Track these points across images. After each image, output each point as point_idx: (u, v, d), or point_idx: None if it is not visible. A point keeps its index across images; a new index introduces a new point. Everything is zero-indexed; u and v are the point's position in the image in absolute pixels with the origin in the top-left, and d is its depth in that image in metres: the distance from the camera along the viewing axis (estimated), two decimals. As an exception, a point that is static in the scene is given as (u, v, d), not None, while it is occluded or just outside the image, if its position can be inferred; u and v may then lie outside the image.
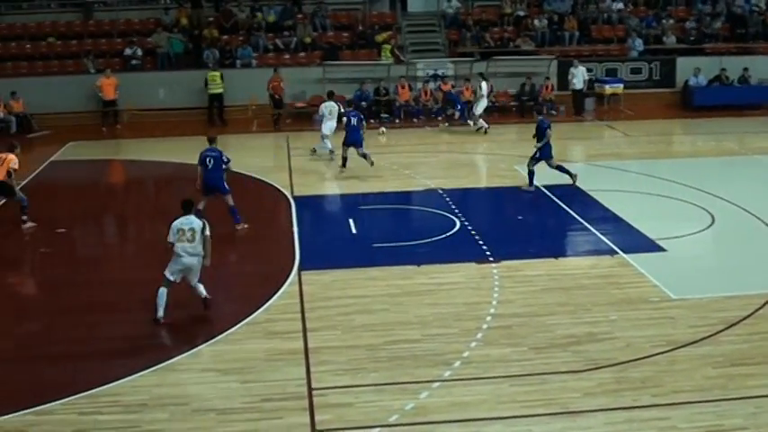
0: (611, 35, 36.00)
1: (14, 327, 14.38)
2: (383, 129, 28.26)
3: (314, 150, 25.39)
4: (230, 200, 18.22)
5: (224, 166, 18.12)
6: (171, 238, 13.75)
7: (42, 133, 30.27)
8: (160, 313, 13.68)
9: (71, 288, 15.76)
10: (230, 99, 31.78)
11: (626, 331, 13.09)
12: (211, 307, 14.06)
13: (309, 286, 15.13)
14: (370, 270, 15.81)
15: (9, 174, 18.50)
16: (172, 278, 13.78)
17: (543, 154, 21.13)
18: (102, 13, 36.06)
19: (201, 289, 14.06)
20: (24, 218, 18.68)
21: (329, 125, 24.87)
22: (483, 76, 30.43)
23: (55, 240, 18.29)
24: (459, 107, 29.94)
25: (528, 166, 21.09)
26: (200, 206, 17.75)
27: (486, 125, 28.98)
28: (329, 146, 24.59)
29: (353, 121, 22.88)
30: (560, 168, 21.32)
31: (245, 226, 18.32)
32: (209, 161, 18.02)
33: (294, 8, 35.56)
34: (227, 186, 18.15)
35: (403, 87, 31.99)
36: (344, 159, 23.02)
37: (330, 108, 24.95)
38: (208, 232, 13.92)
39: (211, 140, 18.53)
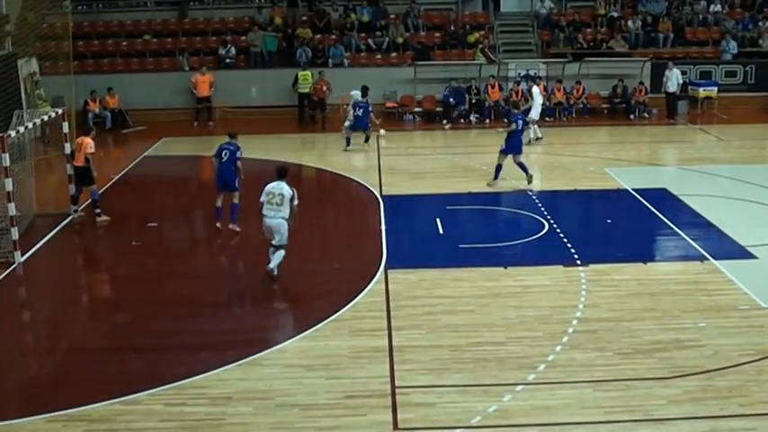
0: (706, 37, 35.30)
1: (105, 318, 14.82)
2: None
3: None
4: (236, 198, 18.36)
5: (238, 163, 18.31)
6: (262, 199, 15.24)
7: (137, 129, 31.03)
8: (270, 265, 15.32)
9: (161, 281, 16.13)
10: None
11: (714, 339, 12.87)
12: (275, 281, 14.94)
13: (396, 285, 15.23)
14: (456, 271, 15.83)
15: (87, 159, 18.98)
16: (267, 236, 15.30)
17: (509, 147, 21.45)
18: (197, 11, 36.76)
19: (273, 258, 15.15)
20: (98, 211, 19.18)
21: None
22: (534, 80, 29.88)
23: (146, 234, 18.73)
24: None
25: (498, 159, 21.61)
26: (218, 203, 18.17)
27: (540, 135, 27.75)
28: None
29: (360, 111, 26.21)
30: (521, 165, 21.50)
31: (238, 229, 18.34)
32: (225, 154, 18.34)
33: (386, 8, 35.69)
34: (237, 184, 18.34)
35: (493, 87, 31.88)
36: (348, 140, 26.67)
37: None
38: (296, 202, 15.25)
39: (231, 136, 18.78)
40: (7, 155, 16.50)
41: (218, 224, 18.46)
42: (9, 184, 16.61)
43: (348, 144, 26.88)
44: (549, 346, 12.70)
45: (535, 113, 27.61)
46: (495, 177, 21.65)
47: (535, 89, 28.45)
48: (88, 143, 19.07)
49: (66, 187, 19.66)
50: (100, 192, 19.84)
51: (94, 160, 19.17)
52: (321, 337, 13.26)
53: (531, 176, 21.61)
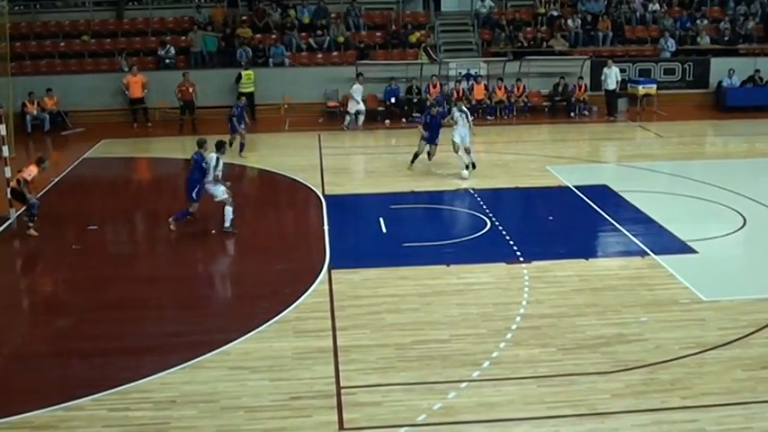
0: (645, 35, 35.79)
1: (45, 323, 14.56)
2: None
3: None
4: (192, 207, 18.52)
5: (212, 172, 18.25)
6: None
7: (76, 131, 30.59)
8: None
9: (102, 285, 15.90)
10: (262, 98, 31.91)
11: (655, 333, 13.04)
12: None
13: (339, 285, 15.19)
14: (400, 270, 15.83)
15: (19, 182, 18.43)
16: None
17: (428, 137, 22.90)
18: (135, 11, 36.35)
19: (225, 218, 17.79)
20: (30, 224, 18.48)
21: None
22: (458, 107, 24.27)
23: (87, 237, 18.46)
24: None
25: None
26: (191, 209, 18.30)
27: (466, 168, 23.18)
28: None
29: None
30: (429, 155, 23.12)
31: (173, 228, 18.44)
32: (191, 162, 18.59)
33: (327, 8, 35.62)
34: (194, 195, 18.36)
35: (434, 86, 31.99)
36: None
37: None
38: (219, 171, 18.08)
39: (199, 144, 18.60)
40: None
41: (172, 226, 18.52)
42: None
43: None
44: (492, 343, 12.76)
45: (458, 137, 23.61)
46: (412, 162, 23.21)
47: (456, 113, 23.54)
48: (31, 171, 18.60)
49: (5, 190, 19.29)
50: (38, 197, 19.46)
51: (29, 188, 18.49)
52: (265, 338, 13.18)
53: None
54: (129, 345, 13.23)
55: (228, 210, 18.06)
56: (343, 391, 11.47)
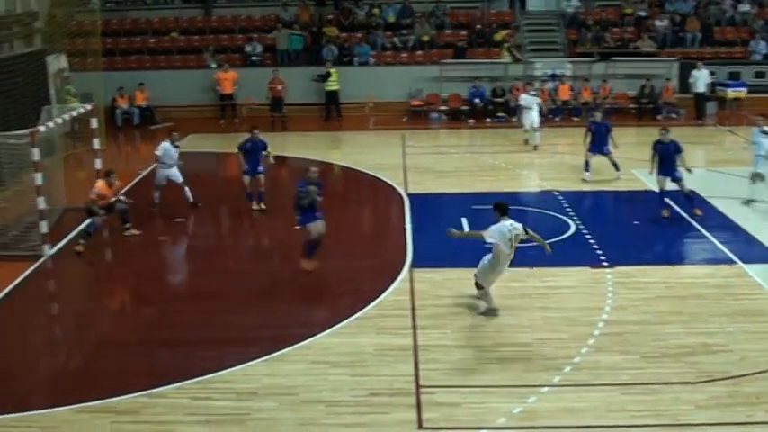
0: (735, 37, 35.05)
1: (132, 312, 14.90)
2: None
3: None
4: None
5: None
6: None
7: (164, 125, 31.13)
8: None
9: (188, 276, 16.23)
10: (347, 96, 32.12)
11: (742, 344, 12.77)
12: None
13: (421, 284, 15.23)
14: (481, 271, 15.80)
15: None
16: None
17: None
18: (223, 9, 36.87)
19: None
20: (81, 240, 17.70)
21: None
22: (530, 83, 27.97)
23: (172, 229, 18.79)
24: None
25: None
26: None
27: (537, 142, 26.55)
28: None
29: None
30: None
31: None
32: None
33: (412, 7, 35.67)
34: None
35: (518, 90, 31.80)
36: None
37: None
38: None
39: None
40: (37, 149, 16.61)
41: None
42: (39, 179, 16.72)
43: None
44: (575, 348, 12.65)
45: (528, 121, 26.73)
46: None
47: (523, 96, 27.65)
48: (97, 186, 17.91)
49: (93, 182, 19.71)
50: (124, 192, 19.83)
51: (96, 204, 17.71)
52: (346, 334, 13.30)
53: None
54: (212, 336, 13.50)
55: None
56: (422, 389, 11.49)
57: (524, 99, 27.02)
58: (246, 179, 19.75)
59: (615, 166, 22.35)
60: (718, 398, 11.20)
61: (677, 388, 11.47)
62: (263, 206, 19.72)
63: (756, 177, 19.91)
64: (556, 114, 31.42)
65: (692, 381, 11.64)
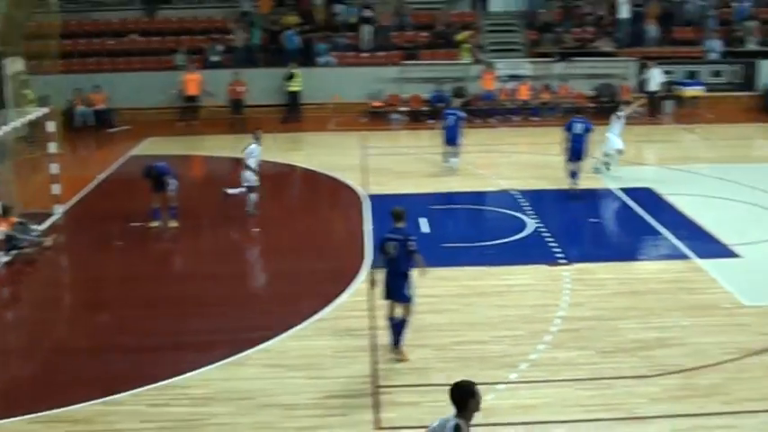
0: (693, 36, 35.26)
1: (86, 319, 14.77)
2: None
3: None
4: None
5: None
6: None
7: (122, 128, 30.87)
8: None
9: (143, 282, 16.10)
10: (308, 97, 32.03)
11: (696, 337, 12.95)
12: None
13: (379, 285, 15.19)
14: (440, 270, 15.57)
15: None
16: None
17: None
18: (181, 11, 36.46)
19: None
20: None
21: None
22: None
23: (129, 234, 18.65)
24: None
25: None
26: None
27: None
28: None
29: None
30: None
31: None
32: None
33: (374, 7, 35.60)
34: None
35: (488, 75, 31.99)
36: None
37: None
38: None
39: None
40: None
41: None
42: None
43: None
44: (531, 345, 12.74)
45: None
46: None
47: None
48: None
49: (50, 186, 19.58)
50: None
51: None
52: (304, 336, 13.29)
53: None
54: (169, 342, 13.46)
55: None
56: (380, 390, 11.52)
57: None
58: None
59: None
60: (672, 391, 11.35)
61: (632, 382, 11.61)
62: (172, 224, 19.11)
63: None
64: (516, 114, 31.55)
65: (647, 374, 11.77)
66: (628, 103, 26.92)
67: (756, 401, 10.99)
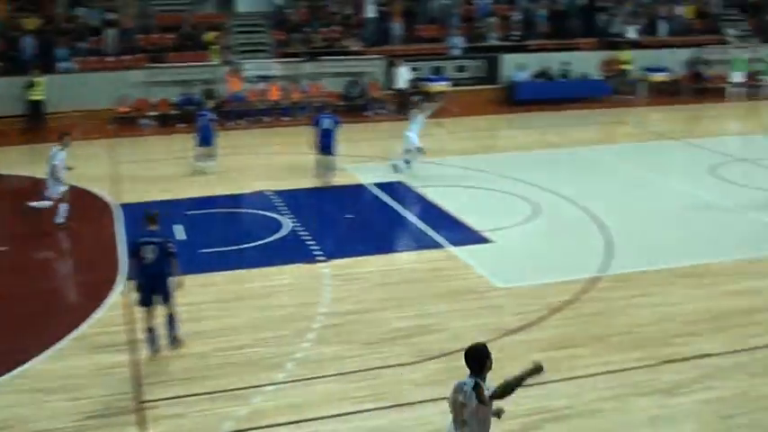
0: (437, 34, 36.50)
1: None
2: None
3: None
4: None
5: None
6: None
7: None
8: None
9: None
10: (52, 106, 30.59)
11: (454, 322, 13.39)
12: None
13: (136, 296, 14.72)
14: (199, 277, 15.35)
15: None
16: None
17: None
18: None
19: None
20: None
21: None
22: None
23: None
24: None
25: None
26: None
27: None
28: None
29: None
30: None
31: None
32: None
33: (118, 11, 34.49)
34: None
35: (233, 77, 31.71)
36: None
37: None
38: None
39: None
40: None
41: None
42: None
43: None
44: (296, 344, 12.75)
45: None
46: None
47: None
48: None
49: None
50: None
51: None
52: (60, 357, 12.65)
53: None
54: None
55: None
56: (145, 405, 11.16)
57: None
58: None
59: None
60: (437, 374, 11.66)
61: (397, 370, 11.87)
62: None
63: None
64: (267, 115, 31.52)
65: (411, 361, 12.04)
66: (430, 101, 27.50)
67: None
